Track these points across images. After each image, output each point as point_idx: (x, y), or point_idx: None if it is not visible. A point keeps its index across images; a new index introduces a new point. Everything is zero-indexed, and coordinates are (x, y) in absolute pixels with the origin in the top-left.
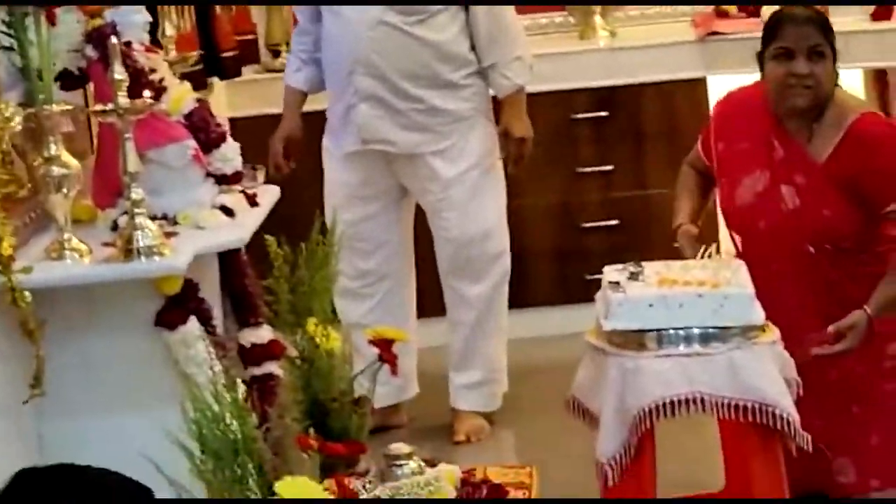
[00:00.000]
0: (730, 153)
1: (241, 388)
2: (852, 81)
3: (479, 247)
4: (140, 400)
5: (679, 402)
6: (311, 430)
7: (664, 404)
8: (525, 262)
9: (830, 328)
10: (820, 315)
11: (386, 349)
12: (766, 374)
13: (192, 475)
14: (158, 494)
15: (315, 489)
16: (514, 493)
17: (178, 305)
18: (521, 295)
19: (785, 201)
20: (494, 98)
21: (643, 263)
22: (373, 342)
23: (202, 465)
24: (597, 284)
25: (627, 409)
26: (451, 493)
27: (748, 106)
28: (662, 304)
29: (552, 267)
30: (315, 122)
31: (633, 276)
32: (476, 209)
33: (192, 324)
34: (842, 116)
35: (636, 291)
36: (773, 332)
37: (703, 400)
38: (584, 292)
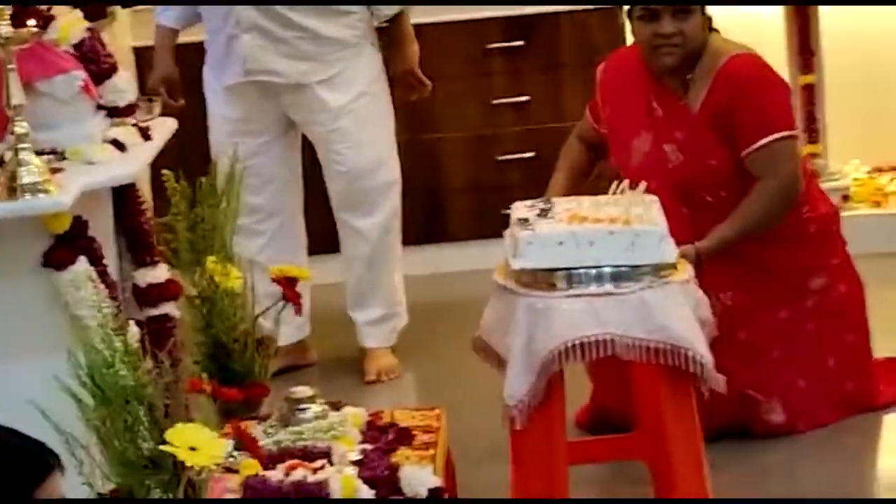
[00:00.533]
0: (616, 117)
1: (135, 332)
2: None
3: (372, 178)
4: (27, 344)
5: (589, 343)
6: (206, 375)
7: (574, 346)
8: (442, 196)
9: None
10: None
11: (289, 287)
12: (679, 314)
13: (81, 423)
14: (46, 443)
15: (208, 436)
16: (420, 437)
17: (67, 244)
18: (439, 230)
19: (670, 159)
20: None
21: (553, 199)
22: (276, 280)
23: (91, 412)
24: None
25: (536, 350)
26: (356, 437)
27: (628, 67)
28: (572, 241)
29: (469, 201)
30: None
31: (543, 213)
32: (367, 138)
33: (82, 264)
34: (713, 62)
35: (545, 229)
36: (687, 271)
37: (613, 341)
38: (501, 227)
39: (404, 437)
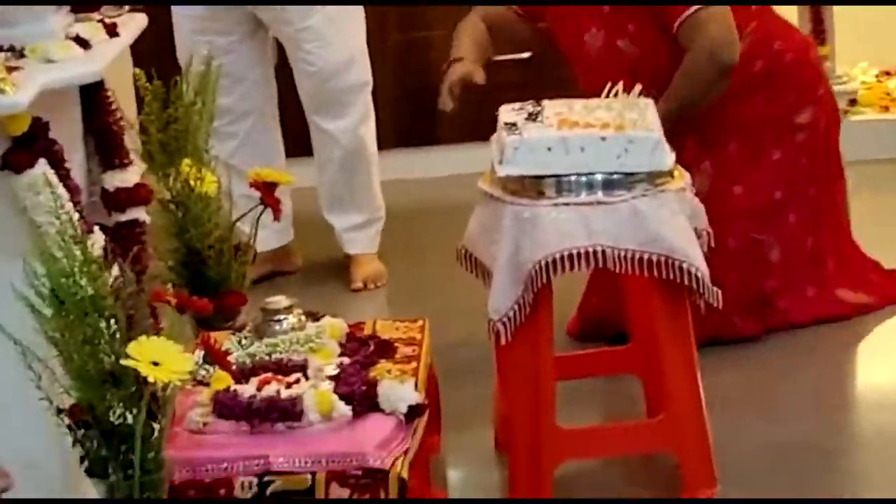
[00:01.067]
0: (563, 14)
1: (99, 238)
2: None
3: (342, 78)
4: None
5: (578, 254)
6: (180, 283)
7: (562, 257)
8: (432, 97)
9: None
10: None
11: (267, 192)
12: (673, 224)
13: (38, 335)
14: (2, 355)
15: (172, 350)
16: (402, 350)
17: (25, 147)
18: (431, 132)
19: (626, 54)
20: None
21: (543, 102)
22: (253, 185)
23: (49, 323)
24: None
25: (522, 262)
26: (335, 350)
27: None
28: (562, 147)
29: (460, 103)
30: None
31: (532, 117)
32: (337, 38)
33: (41, 167)
34: None
35: (533, 134)
36: (683, 178)
37: (603, 252)
38: (493, 130)
39: (385, 349)
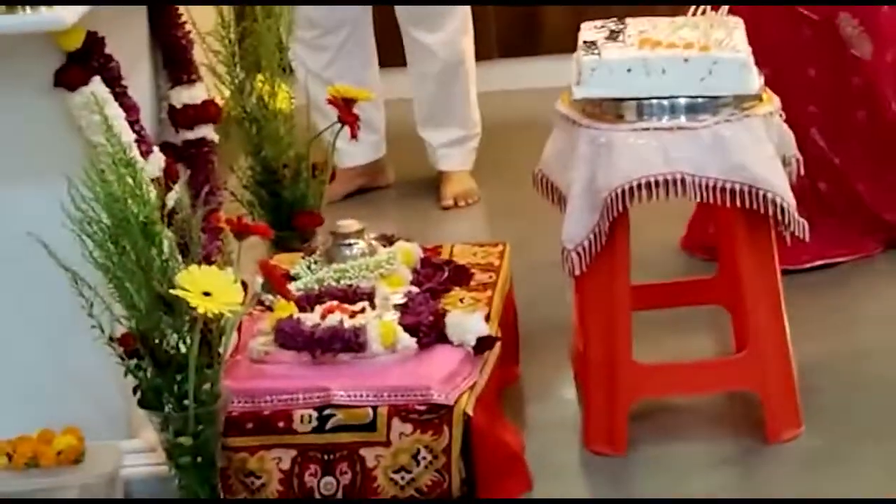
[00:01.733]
0: None
1: (159, 159)
2: None
3: None
4: (36, 171)
5: (657, 182)
6: (255, 203)
7: (639, 185)
8: (535, 7)
9: None
10: None
11: (345, 110)
12: (759, 152)
13: (85, 260)
14: (49, 278)
15: (223, 279)
16: (479, 276)
17: (79, 63)
18: (533, 42)
19: None
20: None
21: (627, 20)
22: (331, 102)
23: (98, 249)
24: None
25: (598, 189)
26: (406, 277)
27: None
28: (642, 68)
29: (567, 11)
30: None
31: (612, 36)
32: None
33: (96, 84)
34: None
35: (613, 54)
36: (772, 102)
37: (683, 181)
38: None
39: (461, 276)
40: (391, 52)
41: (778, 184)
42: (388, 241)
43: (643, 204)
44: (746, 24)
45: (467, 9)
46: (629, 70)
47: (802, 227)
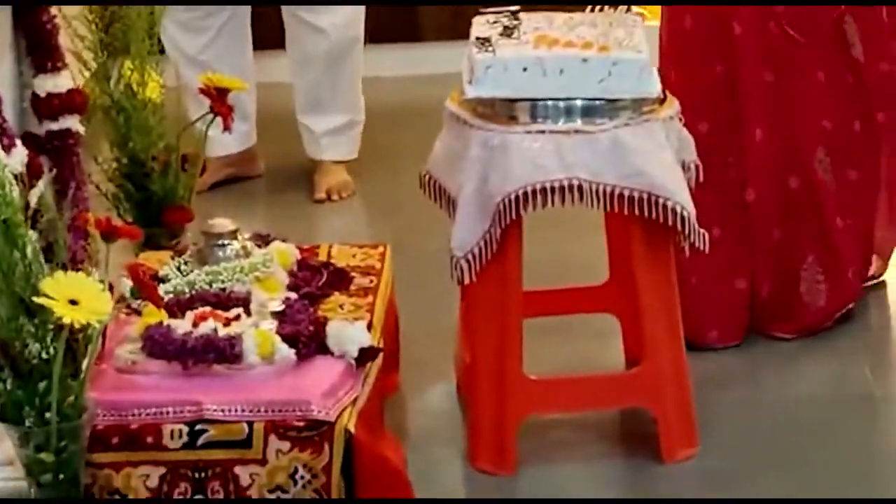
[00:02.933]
0: None
1: (21, 153)
2: None
3: None
4: None
5: (552, 188)
6: (122, 197)
7: (533, 191)
8: None
9: None
10: None
11: (219, 100)
12: (659, 158)
13: None
14: None
15: (91, 287)
16: (359, 280)
17: None
18: (411, 27)
19: None
20: None
21: (522, 15)
22: (204, 91)
23: None
24: None
25: (490, 194)
26: (283, 280)
27: None
28: (538, 68)
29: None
30: None
31: (507, 32)
32: None
33: None
34: None
35: (507, 52)
36: (673, 106)
37: (580, 187)
38: None
39: (340, 280)
40: (264, 35)
41: (678, 191)
42: (263, 241)
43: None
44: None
45: None
46: (525, 69)
47: (703, 238)
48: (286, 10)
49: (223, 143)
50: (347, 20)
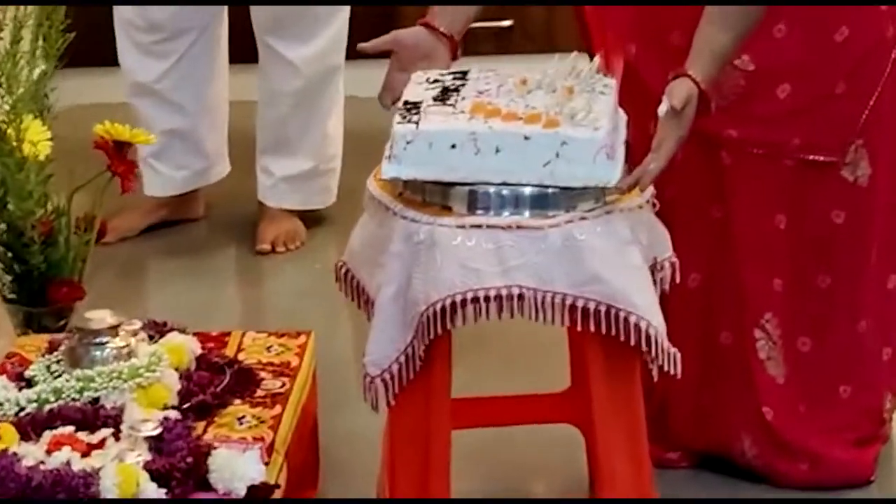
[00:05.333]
0: None
1: None
2: None
3: None
4: None
5: (486, 297)
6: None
7: (463, 301)
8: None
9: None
10: None
11: (116, 156)
12: (621, 260)
13: None
14: None
15: None
16: (269, 382)
17: None
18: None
19: None
20: None
21: (472, 74)
22: (99, 145)
23: None
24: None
25: (413, 301)
26: (173, 385)
27: None
28: (470, 145)
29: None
30: None
31: (444, 96)
32: None
33: None
34: None
35: (434, 123)
36: (643, 195)
37: (521, 297)
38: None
39: (245, 383)
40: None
41: (642, 303)
42: (158, 331)
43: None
44: None
45: (345, 16)
46: (454, 146)
47: (673, 358)
48: (258, 37)
49: (167, 181)
50: (323, 51)
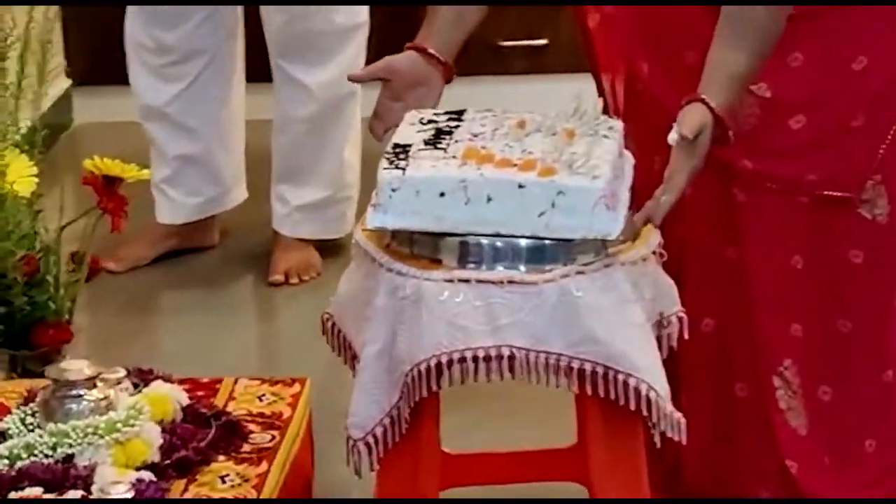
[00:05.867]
0: None
1: None
2: None
3: (327, 15)
4: None
5: (475, 357)
6: None
7: (450, 361)
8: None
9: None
10: None
11: (105, 192)
12: (621, 318)
13: None
14: None
15: None
16: (258, 435)
17: None
18: None
19: None
20: None
21: (468, 115)
22: (88, 181)
23: None
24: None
25: (398, 359)
26: (154, 440)
27: None
28: (460, 193)
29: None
30: None
31: (437, 139)
32: None
33: None
34: None
35: (422, 169)
36: (647, 242)
37: (511, 357)
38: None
39: (231, 437)
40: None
41: (644, 364)
42: (142, 379)
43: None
44: None
45: (362, 40)
46: (442, 194)
47: (677, 424)
48: (273, 60)
49: (179, 208)
50: (339, 75)
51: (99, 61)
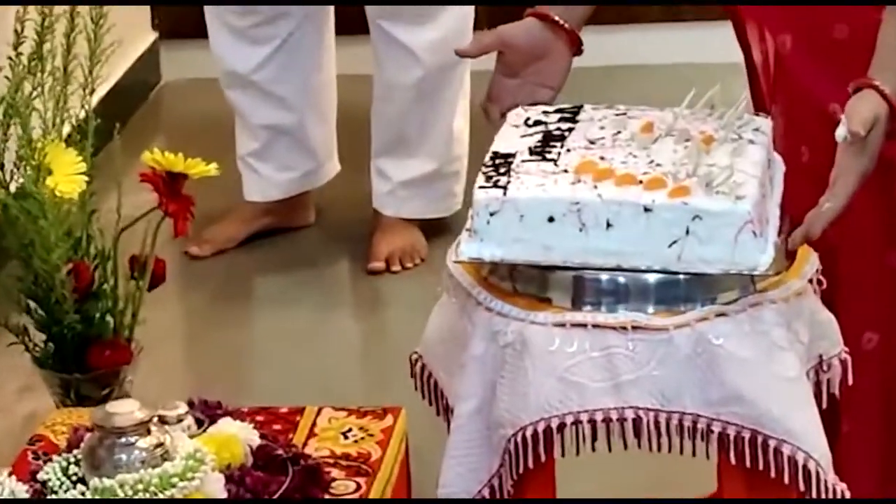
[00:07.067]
0: None
1: None
2: None
3: None
4: None
5: (592, 421)
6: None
7: (561, 425)
8: None
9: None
10: None
11: (167, 192)
12: (770, 370)
13: None
14: None
15: None
16: (341, 483)
17: None
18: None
19: None
20: None
21: (585, 113)
22: (147, 178)
23: None
24: None
25: (498, 421)
26: (218, 492)
27: None
28: (574, 218)
29: None
30: None
31: (545, 146)
32: None
33: None
34: None
35: (527, 188)
36: (803, 272)
37: (637, 419)
38: None
39: (310, 484)
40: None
41: (800, 427)
42: (208, 415)
43: None
44: None
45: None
46: (551, 219)
47: (841, 496)
48: (371, 20)
49: (269, 184)
50: (446, 35)
51: (188, 13)
